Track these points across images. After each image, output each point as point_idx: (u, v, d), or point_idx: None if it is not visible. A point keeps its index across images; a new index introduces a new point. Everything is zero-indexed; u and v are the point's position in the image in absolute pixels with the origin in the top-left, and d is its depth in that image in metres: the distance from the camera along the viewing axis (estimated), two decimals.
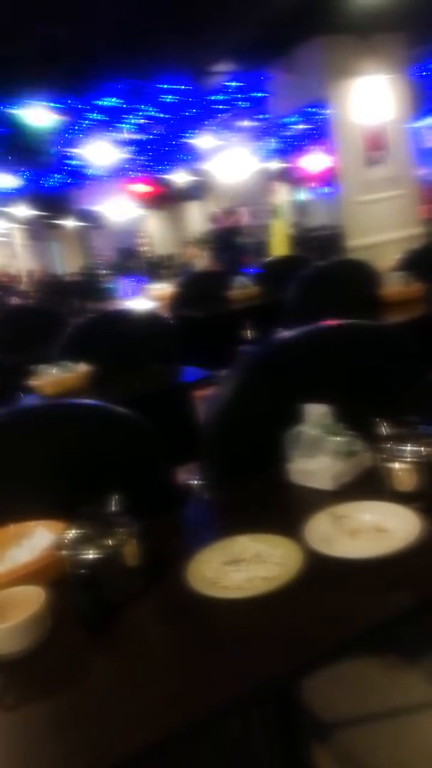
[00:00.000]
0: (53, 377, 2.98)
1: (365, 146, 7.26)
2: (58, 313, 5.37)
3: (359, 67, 7.08)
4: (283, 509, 1.40)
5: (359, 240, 7.17)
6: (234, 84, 8.76)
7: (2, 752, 0.89)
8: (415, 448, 1.27)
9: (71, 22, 5.76)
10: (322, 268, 4.50)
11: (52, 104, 7.73)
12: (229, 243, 12.47)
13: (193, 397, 3.01)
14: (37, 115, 7.66)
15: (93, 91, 8.01)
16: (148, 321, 3.67)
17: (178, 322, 4.26)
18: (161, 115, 9.58)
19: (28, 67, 6.45)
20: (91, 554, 1.12)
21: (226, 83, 8.74)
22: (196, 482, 1.72)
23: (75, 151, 10.38)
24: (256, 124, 10.65)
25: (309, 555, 1.15)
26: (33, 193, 15.49)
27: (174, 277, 9.90)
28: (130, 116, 9.55)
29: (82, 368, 3.01)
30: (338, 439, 1.46)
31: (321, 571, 1.11)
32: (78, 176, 13.85)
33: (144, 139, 11.01)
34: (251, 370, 1.79)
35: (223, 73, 8.31)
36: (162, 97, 8.77)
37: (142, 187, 16.32)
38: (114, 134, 10.05)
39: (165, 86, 8.32)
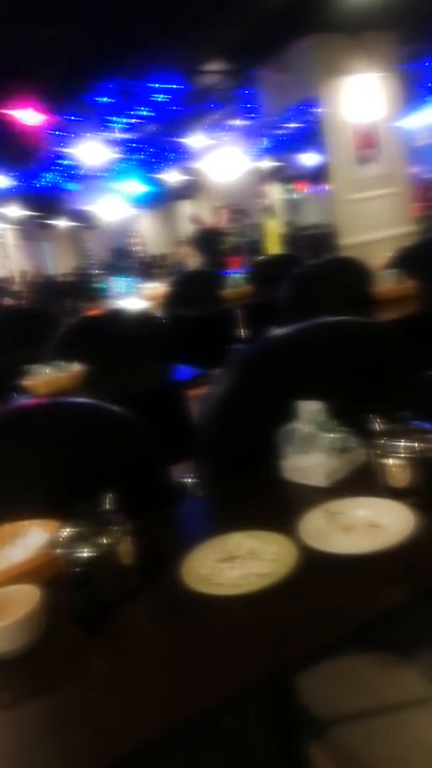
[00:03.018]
0: (46, 377, 2.97)
1: (357, 144, 7.26)
2: (51, 313, 5.35)
3: (350, 65, 7.09)
4: (277, 506, 1.41)
5: (351, 238, 7.18)
6: (225, 83, 8.76)
7: None
8: (408, 444, 1.27)
9: (62, 23, 5.75)
10: (315, 267, 4.51)
11: (43, 104, 7.71)
12: (211, 244, 12.47)
13: (186, 396, 3.01)
14: (28, 115, 7.64)
15: (84, 91, 7.99)
16: (142, 320, 3.66)
17: (172, 321, 4.26)
18: (153, 115, 9.57)
19: (19, 67, 6.43)
20: (85, 552, 1.12)
21: (217, 82, 8.74)
22: (190, 480, 1.72)
23: (67, 150, 10.36)
24: (247, 123, 10.66)
25: (303, 551, 1.15)
26: (25, 193, 15.46)
27: (167, 277, 9.90)
28: (122, 116, 9.54)
29: (76, 368, 3.01)
30: (332, 435, 1.46)
31: (315, 567, 1.12)
32: (70, 176, 13.83)
33: (136, 138, 11.00)
34: (244, 368, 1.79)
35: (214, 72, 8.31)
36: (154, 97, 8.76)
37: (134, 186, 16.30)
38: (106, 134, 10.04)
39: (157, 86, 8.32)
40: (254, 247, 13.65)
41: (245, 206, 15.98)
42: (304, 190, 15.14)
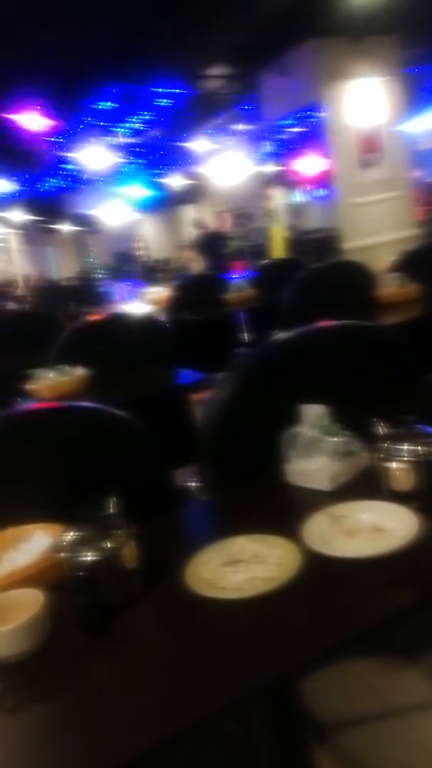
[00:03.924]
0: (50, 381, 2.97)
1: (359, 148, 7.27)
2: (55, 317, 5.37)
3: (352, 69, 7.10)
4: (280, 510, 1.40)
5: (355, 242, 7.19)
6: (228, 88, 8.78)
7: (2, 755, 0.89)
8: (412, 448, 1.27)
9: (65, 28, 5.77)
10: (318, 270, 4.51)
11: (46, 109, 7.73)
12: (214, 248, 12.47)
13: (189, 400, 3.01)
14: (32, 120, 7.67)
15: (88, 96, 8.02)
16: (145, 324, 3.67)
17: (175, 326, 4.27)
18: (156, 119, 9.60)
19: (23, 73, 6.45)
20: (89, 557, 1.12)
21: (220, 87, 8.77)
22: (193, 484, 1.72)
23: (70, 155, 10.39)
24: (250, 127, 10.68)
25: (307, 555, 1.15)
26: (28, 197, 15.50)
27: (170, 281, 9.91)
28: (125, 121, 9.57)
29: (79, 372, 3.01)
30: (335, 439, 1.46)
31: (319, 571, 1.12)
32: (74, 180, 13.87)
33: (139, 142, 11.03)
34: (248, 372, 1.79)
35: (217, 77, 8.33)
36: (157, 101, 8.79)
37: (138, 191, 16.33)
38: (109, 138, 10.07)
39: (159, 90, 8.34)
40: (258, 251, 13.65)
41: (249, 210, 15.99)
42: (307, 194, 15.14)
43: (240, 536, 1.25)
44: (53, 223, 19.27)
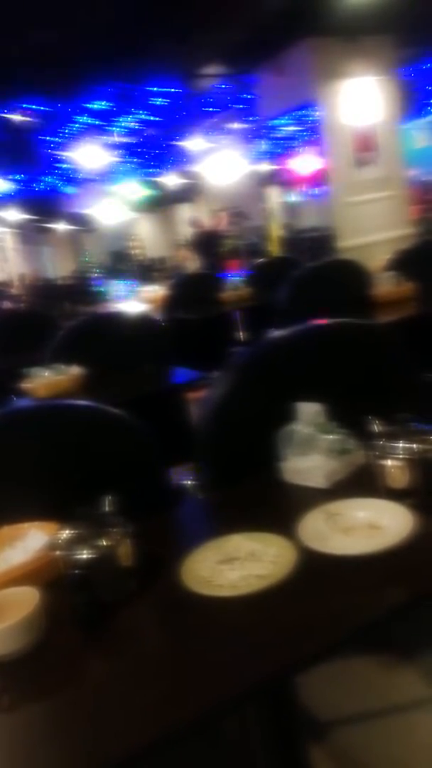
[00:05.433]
0: (46, 380, 2.97)
1: (355, 147, 7.28)
2: (50, 316, 5.36)
3: (348, 68, 7.10)
4: (276, 508, 1.41)
5: (350, 241, 7.19)
6: (224, 86, 8.77)
7: None
8: (407, 445, 1.27)
9: (60, 26, 5.76)
10: (314, 269, 4.51)
11: (41, 108, 7.72)
12: (210, 247, 12.46)
13: (185, 399, 3.01)
14: (27, 119, 7.66)
15: (83, 95, 8.01)
16: (141, 323, 3.66)
17: (171, 324, 4.26)
18: (152, 118, 9.59)
19: (18, 72, 6.44)
20: (85, 555, 1.12)
21: (215, 86, 8.76)
22: (189, 482, 1.72)
23: (65, 154, 10.38)
24: (246, 126, 10.67)
25: (303, 553, 1.15)
26: (24, 196, 15.47)
27: (166, 280, 9.89)
28: (120, 119, 9.56)
29: (75, 371, 3.01)
30: (331, 437, 1.46)
31: (315, 568, 1.12)
32: (69, 179, 13.85)
33: (135, 141, 11.02)
34: (244, 370, 1.79)
35: (212, 76, 8.32)
36: (152, 100, 8.78)
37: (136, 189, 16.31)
38: (105, 137, 10.05)
39: (155, 89, 8.33)
40: (254, 249, 13.65)
41: (245, 209, 15.98)
42: (302, 192, 15.15)
43: (236, 534, 1.25)
44: (49, 222, 19.23)
